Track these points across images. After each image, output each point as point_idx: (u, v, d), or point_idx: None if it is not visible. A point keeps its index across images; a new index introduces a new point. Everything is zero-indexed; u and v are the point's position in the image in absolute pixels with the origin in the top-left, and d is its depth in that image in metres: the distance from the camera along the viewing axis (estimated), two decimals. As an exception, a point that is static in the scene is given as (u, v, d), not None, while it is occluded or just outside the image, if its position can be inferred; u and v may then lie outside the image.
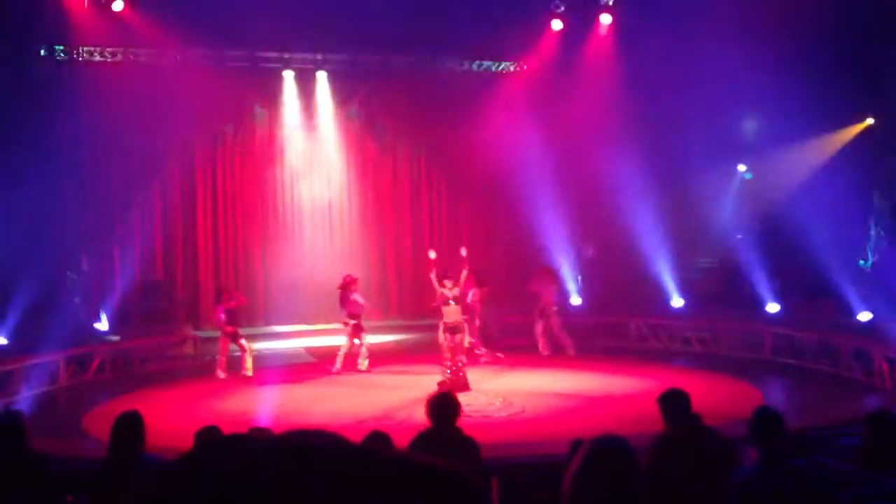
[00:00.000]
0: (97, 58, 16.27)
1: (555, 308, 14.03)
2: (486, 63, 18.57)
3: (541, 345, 13.91)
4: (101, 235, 16.41)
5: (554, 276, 14.94)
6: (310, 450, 0.67)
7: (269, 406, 10.44)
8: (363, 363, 12.83)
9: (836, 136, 16.61)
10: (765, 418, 3.79)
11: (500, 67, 18.70)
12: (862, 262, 16.24)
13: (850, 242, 15.90)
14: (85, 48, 16.09)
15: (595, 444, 2.25)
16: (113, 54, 16.36)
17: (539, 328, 13.98)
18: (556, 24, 17.19)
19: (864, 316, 13.70)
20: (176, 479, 0.67)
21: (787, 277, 15.01)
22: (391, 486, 0.67)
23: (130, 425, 4.44)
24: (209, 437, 4.84)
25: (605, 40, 17.32)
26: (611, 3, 16.68)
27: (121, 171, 16.25)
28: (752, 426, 3.80)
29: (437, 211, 19.44)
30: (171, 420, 9.21)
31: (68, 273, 15.77)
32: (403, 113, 18.33)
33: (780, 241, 15.22)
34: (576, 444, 3.98)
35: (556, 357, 13.60)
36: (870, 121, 16.35)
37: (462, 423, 5.18)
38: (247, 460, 0.65)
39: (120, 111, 15.23)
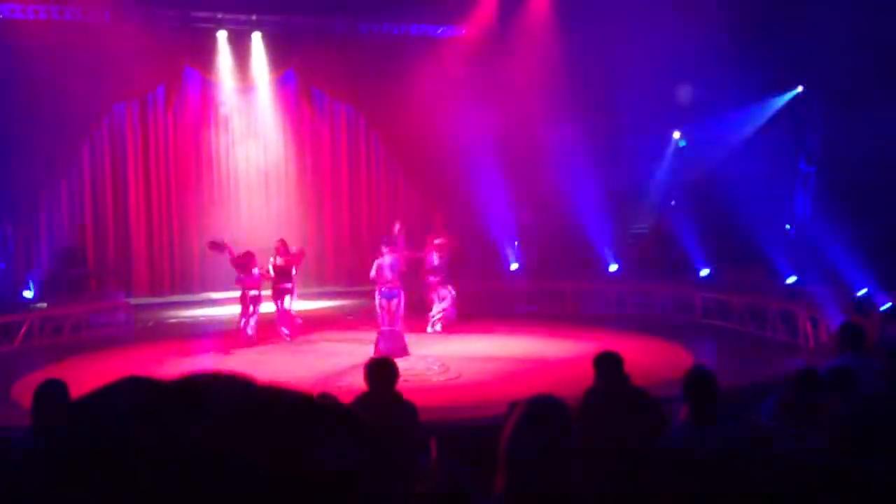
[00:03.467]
0: (19, 15, 15.59)
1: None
2: (424, 27, 18.40)
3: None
4: (26, 200, 15.88)
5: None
6: (201, 390, 0.66)
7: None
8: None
9: (768, 104, 16.98)
10: (697, 378, 3.91)
11: (439, 32, 18.55)
12: (788, 226, 16.73)
13: (778, 208, 16.37)
14: (6, 4, 15.39)
15: (529, 404, 2.29)
16: (36, 12, 15.70)
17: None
18: (495, -11, 17.15)
19: (790, 279, 14.16)
20: (55, 435, 0.64)
21: (718, 242, 15.39)
22: (285, 422, 0.66)
23: (52, 393, 4.26)
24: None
25: (544, 6, 17.32)
26: (549, -32, 16.67)
27: (46, 134, 15.69)
28: (685, 385, 3.91)
29: (375, 176, 19.33)
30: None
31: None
32: (341, 77, 18.08)
33: (711, 208, 15.58)
34: (513, 406, 4.05)
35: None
36: (799, 89, 16.75)
37: (400, 387, 5.20)
38: (134, 405, 0.64)
39: (45, 71, 14.69)
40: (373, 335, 11.43)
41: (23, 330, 12.80)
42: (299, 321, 12.77)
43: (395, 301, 11.44)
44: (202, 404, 0.64)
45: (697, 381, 3.87)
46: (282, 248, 12.52)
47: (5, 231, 15.58)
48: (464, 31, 18.24)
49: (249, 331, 12.26)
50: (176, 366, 10.84)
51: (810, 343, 11.29)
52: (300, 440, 0.66)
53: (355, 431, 0.71)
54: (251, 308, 12.29)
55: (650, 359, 9.98)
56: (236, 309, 15.13)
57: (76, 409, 0.66)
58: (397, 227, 12.12)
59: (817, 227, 15.48)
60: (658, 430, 4.10)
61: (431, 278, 13.15)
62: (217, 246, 12.55)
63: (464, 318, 13.41)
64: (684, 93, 17.10)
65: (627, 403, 4.81)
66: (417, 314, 13.11)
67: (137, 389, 0.66)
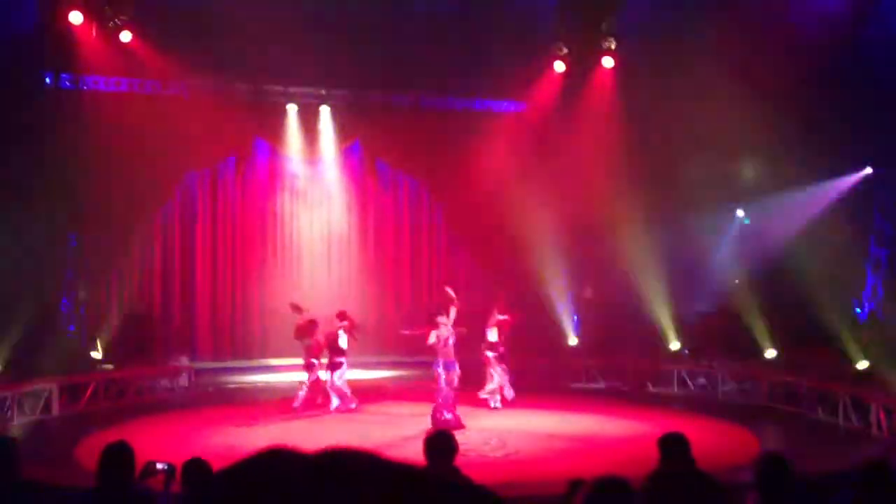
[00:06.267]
0: (103, 87, 16.37)
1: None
2: (487, 102, 18.71)
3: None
4: (100, 264, 16.38)
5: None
6: (349, 466, 0.66)
7: (260, 441, 10.34)
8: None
9: (836, 184, 16.68)
10: (771, 465, 3.76)
11: (502, 107, 18.84)
12: (858, 309, 16.23)
13: (848, 289, 15.91)
14: (91, 77, 16.17)
15: (597, 485, 2.24)
16: (118, 83, 16.46)
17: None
18: (559, 66, 17.33)
19: (861, 364, 13.65)
20: (215, 497, 0.66)
21: (785, 323, 14.99)
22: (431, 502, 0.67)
23: (118, 456, 4.33)
24: (194, 470, 4.82)
25: (607, 83, 17.45)
26: (613, 46, 16.84)
27: (122, 200, 16.25)
28: (758, 472, 3.76)
29: (437, 247, 19.46)
30: (163, 452, 9.10)
31: (66, 300, 15.72)
32: (405, 149, 18.43)
33: (778, 287, 15.23)
34: (575, 484, 3.96)
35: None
36: (868, 170, 16.45)
37: (457, 462, 5.13)
38: (285, 477, 0.64)
39: (123, 140, 15.29)
40: (427, 407, 11.35)
41: (88, 391, 13.07)
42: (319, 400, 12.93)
43: (452, 372, 11.37)
44: (349, 478, 0.65)
45: (771, 469, 3.72)
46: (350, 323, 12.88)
47: (79, 295, 16.05)
48: (526, 107, 18.48)
49: (296, 403, 12.57)
50: (237, 431, 10.91)
51: (884, 433, 10.81)
52: None
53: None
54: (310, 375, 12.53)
55: (715, 442, 9.68)
56: (293, 375, 15.31)
57: (224, 482, 0.67)
58: (449, 291, 11.99)
59: (889, 310, 14.99)
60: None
61: (488, 353, 13.09)
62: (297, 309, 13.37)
63: (521, 393, 13.25)
64: (749, 169, 16.95)
65: (694, 489, 4.63)
66: (472, 387, 13.04)
67: (283, 463, 0.67)
